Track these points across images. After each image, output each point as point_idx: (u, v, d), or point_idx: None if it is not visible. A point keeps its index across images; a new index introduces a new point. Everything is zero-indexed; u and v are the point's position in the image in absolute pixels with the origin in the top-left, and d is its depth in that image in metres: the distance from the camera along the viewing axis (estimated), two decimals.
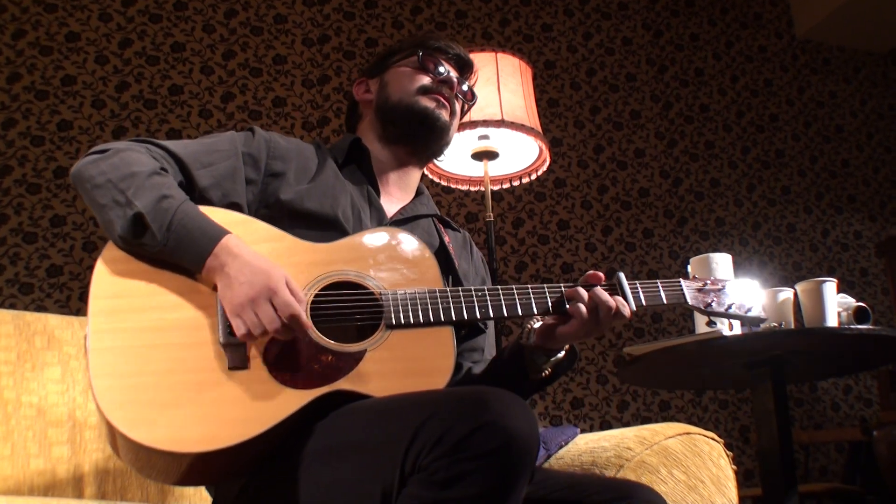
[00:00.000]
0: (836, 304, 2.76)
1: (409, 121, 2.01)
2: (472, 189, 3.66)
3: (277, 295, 1.55)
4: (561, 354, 1.85)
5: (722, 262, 2.70)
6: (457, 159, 3.50)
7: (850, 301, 2.82)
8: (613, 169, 5.48)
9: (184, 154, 1.78)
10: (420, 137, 2.03)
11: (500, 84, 3.37)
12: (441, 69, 2.06)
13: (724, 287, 1.91)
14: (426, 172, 3.55)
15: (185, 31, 4.76)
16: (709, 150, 5.80)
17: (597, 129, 5.53)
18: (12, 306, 4.01)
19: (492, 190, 3.54)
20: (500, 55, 3.46)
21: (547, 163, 3.52)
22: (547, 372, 1.88)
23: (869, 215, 6.15)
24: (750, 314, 1.90)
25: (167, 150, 1.77)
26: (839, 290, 2.81)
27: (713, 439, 2.15)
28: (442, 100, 2.03)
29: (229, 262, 1.58)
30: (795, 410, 5.41)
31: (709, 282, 1.91)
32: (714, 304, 1.87)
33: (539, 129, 3.42)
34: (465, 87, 2.12)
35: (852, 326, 2.74)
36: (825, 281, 2.75)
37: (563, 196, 5.29)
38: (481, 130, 3.33)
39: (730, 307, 1.88)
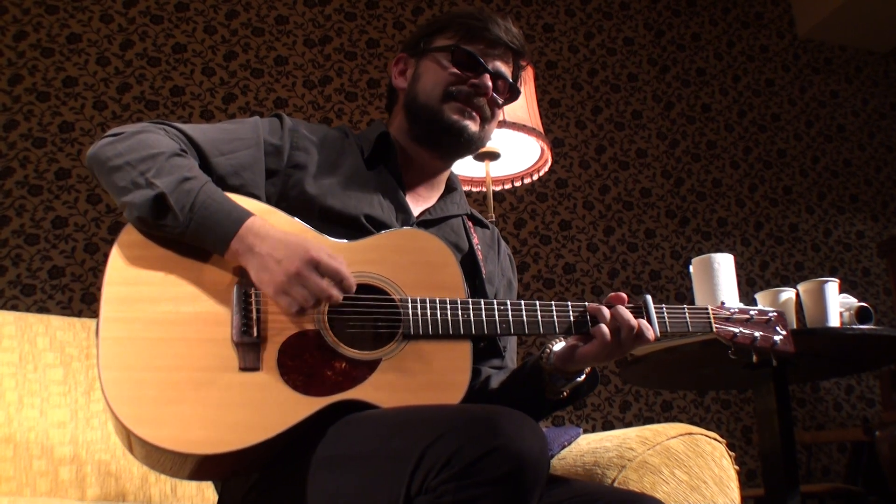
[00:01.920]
0: (838, 304, 2.76)
1: (433, 130, 1.91)
2: (474, 190, 3.65)
3: (321, 263, 1.53)
4: (581, 378, 1.80)
5: (724, 263, 2.69)
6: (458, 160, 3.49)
7: (853, 301, 2.82)
8: (615, 169, 5.48)
9: (202, 140, 1.74)
10: (444, 148, 1.95)
11: None
12: (478, 68, 1.92)
13: (752, 317, 1.87)
14: None
15: (186, 32, 4.76)
16: (710, 150, 5.80)
17: (598, 129, 5.53)
18: (14, 308, 4.01)
19: (493, 191, 3.54)
20: None
21: (548, 163, 3.52)
22: (565, 394, 1.83)
23: (871, 215, 6.14)
24: (776, 347, 1.86)
25: (185, 135, 1.73)
26: (841, 290, 2.81)
27: (715, 439, 2.14)
28: (469, 110, 1.92)
29: (257, 243, 1.55)
30: (797, 411, 5.41)
31: (737, 310, 1.87)
32: (738, 336, 1.84)
33: (541, 129, 3.42)
34: (503, 83, 1.97)
35: (854, 326, 2.74)
36: (827, 281, 2.75)
37: (565, 196, 5.29)
38: None
39: (755, 340, 1.85)
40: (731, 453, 2.15)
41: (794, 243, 5.81)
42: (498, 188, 3.63)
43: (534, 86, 3.56)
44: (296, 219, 1.69)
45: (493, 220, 3.48)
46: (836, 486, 4.60)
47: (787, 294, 2.78)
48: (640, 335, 1.70)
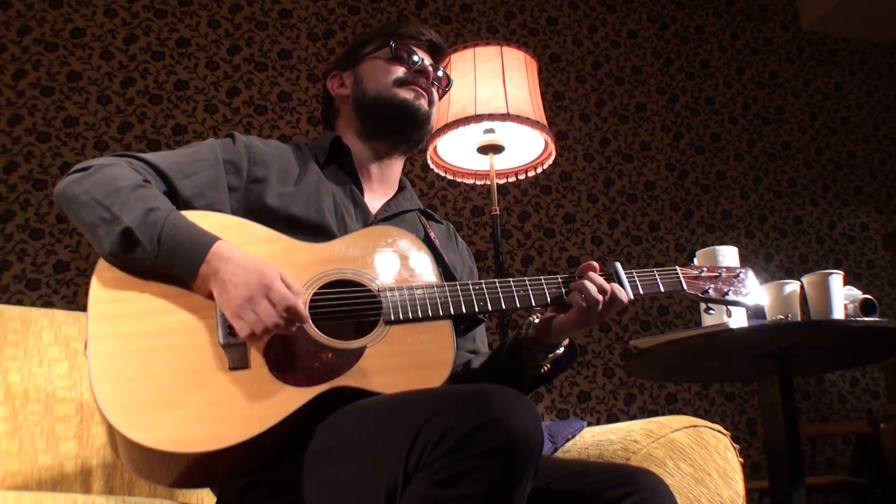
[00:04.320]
0: (842, 297, 2.76)
1: (389, 114, 2.01)
2: (478, 183, 3.66)
3: (273, 290, 1.55)
4: (560, 350, 1.86)
5: (728, 255, 2.69)
6: (462, 153, 3.50)
7: (857, 293, 2.82)
8: (619, 162, 5.48)
9: (165, 166, 1.78)
10: (401, 130, 2.04)
11: (506, 77, 3.37)
12: (415, 58, 2.05)
13: (720, 274, 1.92)
14: (432, 166, 3.55)
15: (189, 26, 4.76)
16: (715, 142, 5.79)
17: (602, 122, 5.52)
18: (19, 302, 4.02)
19: (497, 184, 3.54)
20: (505, 49, 3.46)
21: (552, 156, 3.52)
22: (546, 368, 1.88)
23: (875, 207, 6.14)
24: (747, 300, 1.91)
25: (148, 163, 1.77)
26: (846, 283, 2.81)
27: (720, 432, 2.15)
28: (419, 90, 2.03)
29: (222, 267, 1.59)
30: (802, 403, 5.41)
31: (705, 269, 1.92)
32: (711, 291, 1.89)
33: (544, 122, 3.42)
34: (440, 73, 2.12)
35: (859, 319, 2.74)
36: (831, 273, 2.75)
37: (569, 189, 5.28)
38: (487, 124, 3.33)
39: (727, 293, 1.90)
40: (735, 446, 2.16)
41: (798, 236, 5.81)
42: (502, 181, 3.63)
43: (537, 79, 3.56)
44: (269, 228, 1.75)
45: (497, 212, 3.48)
46: (841, 479, 4.60)
47: (792, 286, 2.78)
48: (613, 298, 1.75)
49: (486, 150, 3.43)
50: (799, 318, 2.77)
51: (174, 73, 4.66)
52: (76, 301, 4.13)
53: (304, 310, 1.57)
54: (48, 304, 4.05)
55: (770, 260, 5.65)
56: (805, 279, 2.79)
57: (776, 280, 2.79)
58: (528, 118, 3.32)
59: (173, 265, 1.60)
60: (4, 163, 4.20)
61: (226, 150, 1.89)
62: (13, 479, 2.05)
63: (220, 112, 4.66)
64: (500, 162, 3.54)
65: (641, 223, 5.40)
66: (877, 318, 2.73)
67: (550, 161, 3.55)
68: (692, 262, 2.39)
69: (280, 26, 4.96)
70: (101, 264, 1.63)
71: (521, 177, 3.63)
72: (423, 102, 2.04)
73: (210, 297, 1.61)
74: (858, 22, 6.33)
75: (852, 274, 5.83)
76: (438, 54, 2.15)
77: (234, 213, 1.80)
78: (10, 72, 4.34)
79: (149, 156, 1.80)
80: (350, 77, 2.09)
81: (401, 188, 2.13)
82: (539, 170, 3.59)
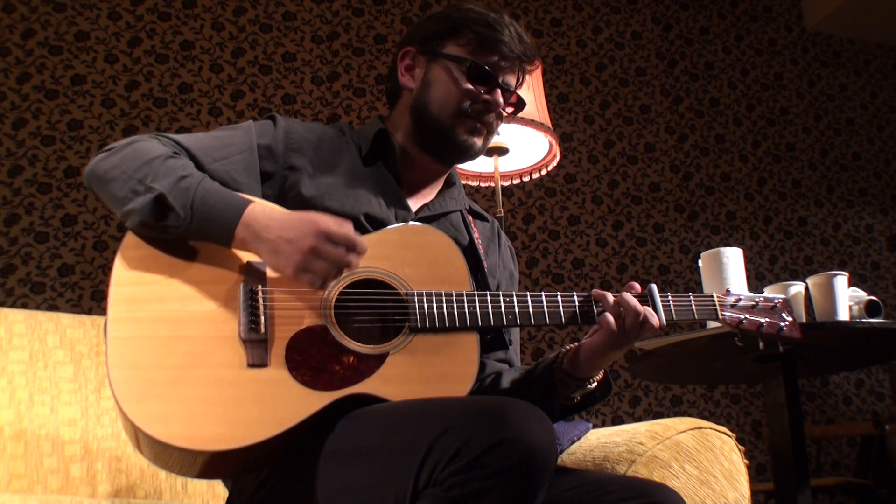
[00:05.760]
0: (847, 298, 2.76)
1: (440, 142, 1.89)
2: (483, 185, 3.65)
3: (332, 232, 1.53)
4: (593, 385, 1.81)
5: (733, 257, 2.69)
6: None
7: (862, 295, 2.82)
8: (624, 164, 5.47)
9: (195, 148, 1.74)
10: (448, 159, 1.94)
11: None
12: (491, 82, 1.89)
13: (758, 304, 1.87)
14: None
15: (194, 28, 4.77)
16: (719, 144, 5.79)
17: (607, 123, 5.52)
18: (24, 306, 4.02)
19: (502, 186, 3.53)
20: None
21: (557, 158, 3.51)
22: (577, 399, 1.84)
23: (880, 208, 6.13)
24: (782, 334, 1.85)
25: (178, 144, 1.73)
26: (850, 284, 2.81)
27: (725, 434, 2.14)
28: (480, 127, 1.90)
29: (264, 228, 1.56)
30: (807, 405, 5.40)
31: (742, 297, 1.87)
32: (744, 322, 1.84)
33: (549, 124, 3.41)
34: (513, 93, 1.95)
35: (864, 320, 2.74)
36: (836, 275, 2.75)
37: (574, 191, 5.28)
38: None
39: (762, 326, 1.85)
40: (740, 447, 2.15)
41: (803, 237, 5.80)
42: (506, 183, 3.63)
43: (542, 81, 3.56)
44: None
45: (502, 214, 3.47)
46: (847, 480, 4.60)
47: (797, 288, 2.77)
48: (645, 322, 1.69)
49: (490, 151, 3.42)
50: (804, 320, 2.77)
51: (178, 76, 4.66)
52: (81, 304, 4.14)
53: (362, 240, 1.56)
54: (53, 308, 4.05)
55: (775, 261, 5.65)
56: (810, 281, 2.79)
57: (781, 282, 2.79)
58: (532, 120, 3.31)
59: (207, 230, 1.57)
60: (9, 166, 4.21)
61: (263, 135, 1.83)
62: (19, 483, 2.05)
63: (224, 115, 4.66)
64: (505, 164, 3.53)
65: (646, 225, 5.40)
66: (882, 320, 2.73)
67: (555, 163, 3.54)
68: (697, 263, 2.38)
69: (284, 29, 4.97)
70: (126, 243, 1.60)
71: (526, 179, 3.62)
72: (479, 140, 1.91)
73: (237, 285, 1.58)
74: (863, 23, 6.32)
75: (857, 275, 5.82)
76: (525, 64, 1.97)
77: (266, 199, 1.74)
78: (14, 76, 4.34)
79: (179, 137, 1.76)
80: (422, 69, 1.95)
81: (448, 184, 2.04)
82: (543, 172, 3.59)
